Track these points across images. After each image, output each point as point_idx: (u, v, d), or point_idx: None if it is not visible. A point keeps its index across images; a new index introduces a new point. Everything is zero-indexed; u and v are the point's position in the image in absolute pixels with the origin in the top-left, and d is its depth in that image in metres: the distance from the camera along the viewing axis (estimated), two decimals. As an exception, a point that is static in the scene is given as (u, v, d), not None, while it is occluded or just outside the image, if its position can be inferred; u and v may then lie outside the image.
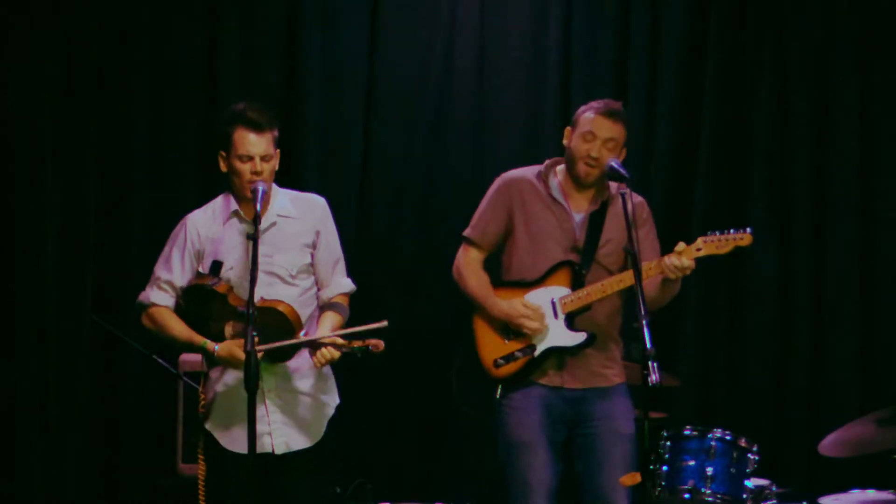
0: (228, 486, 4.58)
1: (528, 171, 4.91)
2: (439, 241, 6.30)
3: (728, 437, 5.24)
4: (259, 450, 4.48)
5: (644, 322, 4.25)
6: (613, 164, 4.70)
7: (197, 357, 5.67)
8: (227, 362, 4.54)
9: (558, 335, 4.77)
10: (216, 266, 4.59)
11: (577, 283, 4.76)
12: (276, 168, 4.64)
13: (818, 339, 6.55)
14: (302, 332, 4.55)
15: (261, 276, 4.52)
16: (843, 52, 6.58)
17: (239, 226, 4.63)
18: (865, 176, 6.57)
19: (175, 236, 4.68)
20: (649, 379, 4.18)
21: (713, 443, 5.22)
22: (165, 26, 6.45)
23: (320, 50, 6.54)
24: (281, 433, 4.60)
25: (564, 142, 4.84)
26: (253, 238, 4.40)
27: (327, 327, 4.61)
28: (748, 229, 4.68)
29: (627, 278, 4.67)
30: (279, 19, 6.55)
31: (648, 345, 4.21)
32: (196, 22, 6.48)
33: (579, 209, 4.84)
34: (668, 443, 5.28)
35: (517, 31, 6.65)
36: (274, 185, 4.68)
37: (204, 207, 4.73)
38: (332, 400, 4.75)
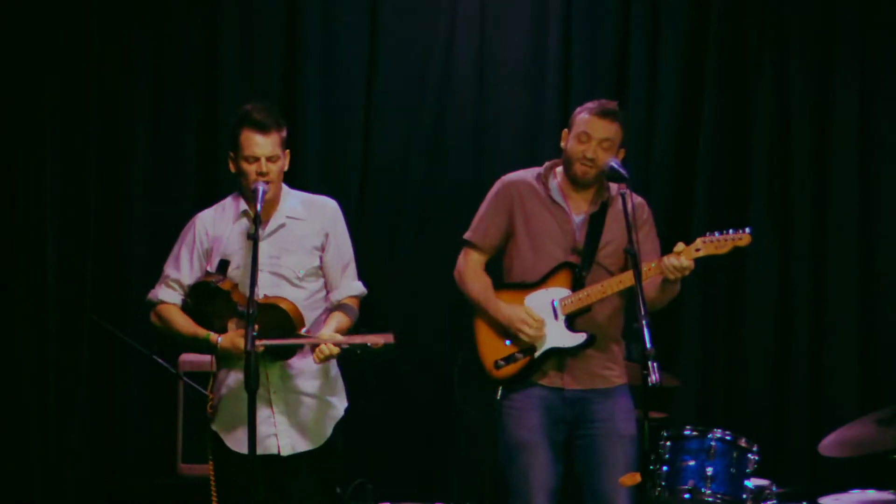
0: (235, 487, 4.57)
1: (528, 174, 4.92)
2: (439, 242, 6.30)
3: (728, 437, 5.24)
4: (265, 451, 4.51)
5: (644, 322, 4.25)
6: (613, 164, 4.70)
7: (197, 357, 5.71)
8: (230, 353, 4.54)
9: (558, 336, 4.77)
10: (223, 265, 4.60)
11: (577, 285, 4.76)
12: (286, 168, 4.64)
13: (818, 338, 6.55)
14: (304, 330, 4.54)
15: (267, 277, 4.54)
16: (843, 52, 6.57)
17: (247, 226, 4.63)
18: (866, 175, 6.57)
19: (184, 235, 4.70)
20: (649, 379, 4.18)
21: (713, 443, 5.22)
22: (165, 26, 6.45)
23: (320, 51, 6.54)
24: (286, 434, 4.61)
25: (562, 144, 4.84)
26: (253, 237, 4.40)
27: (332, 326, 4.61)
28: (747, 229, 4.68)
29: (627, 279, 4.67)
30: (279, 20, 6.55)
31: (648, 345, 4.21)
32: (196, 22, 6.48)
33: (579, 210, 4.84)
34: (668, 443, 5.28)
35: (517, 31, 6.65)
36: (284, 186, 4.69)
37: (214, 207, 4.75)
38: (340, 402, 4.75)
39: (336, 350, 4.50)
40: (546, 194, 4.84)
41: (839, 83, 6.58)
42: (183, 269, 4.65)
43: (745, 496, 5.21)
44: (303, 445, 4.63)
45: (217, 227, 4.67)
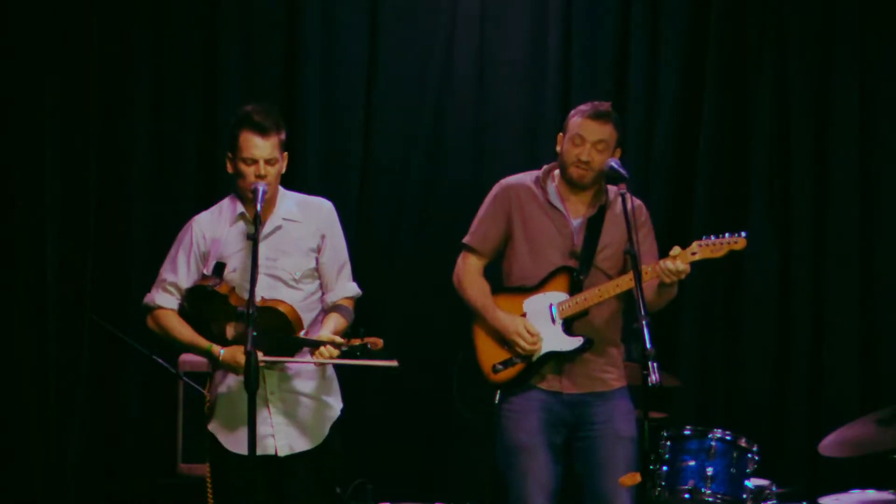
0: (232, 488, 4.58)
1: (526, 177, 4.91)
2: (439, 242, 6.30)
3: (728, 437, 5.24)
4: (262, 452, 4.49)
5: (644, 322, 4.25)
6: (613, 164, 4.71)
7: (197, 357, 5.70)
8: (230, 367, 4.54)
9: (556, 340, 4.76)
10: (219, 267, 4.59)
11: (575, 289, 4.76)
12: (283, 171, 4.63)
13: (818, 339, 6.55)
14: (302, 333, 4.55)
15: (264, 279, 4.53)
16: (843, 52, 6.57)
17: (244, 228, 4.62)
18: (866, 176, 6.57)
19: (181, 238, 4.68)
20: (649, 379, 4.18)
21: (713, 443, 5.22)
22: (165, 26, 6.45)
23: (320, 51, 6.54)
24: (284, 435, 4.60)
25: (557, 148, 4.84)
26: (253, 239, 4.40)
27: (329, 328, 4.60)
28: (743, 233, 4.67)
29: (624, 283, 4.67)
30: (279, 20, 6.54)
31: (648, 345, 4.21)
32: (196, 22, 6.48)
33: (577, 214, 4.84)
34: (668, 443, 5.28)
35: (517, 31, 6.65)
36: (280, 188, 4.68)
37: (210, 209, 4.73)
38: (336, 402, 4.74)
39: (336, 353, 4.49)
40: (544, 198, 4.84)
41: (839, 83, 6.58)
42: (180, 272, 4.64)
43: (745, 496, 5.21)
44: (300, 445, 4.62)
45: (214, 229, 4.65)
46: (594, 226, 4.81)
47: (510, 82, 6.65)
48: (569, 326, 4.76)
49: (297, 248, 4.64)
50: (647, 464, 4.50)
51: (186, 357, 5.86)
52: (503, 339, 4.80)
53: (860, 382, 6.51)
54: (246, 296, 4.46)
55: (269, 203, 4.60)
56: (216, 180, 6.11)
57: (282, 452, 4.59)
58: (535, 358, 4.76)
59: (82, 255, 6.28)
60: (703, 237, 4.69)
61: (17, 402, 6.16)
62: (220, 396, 4.64)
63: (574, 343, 4.75)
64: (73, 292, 6.24)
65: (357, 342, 4.48)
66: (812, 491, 5.73)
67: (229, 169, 4.62)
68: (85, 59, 6.26)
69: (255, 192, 4.51)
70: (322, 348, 4.49)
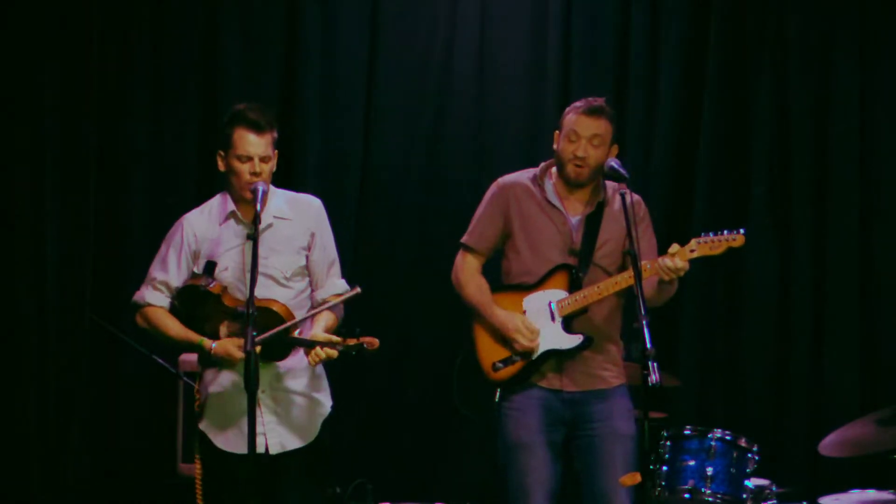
0: (224, 487, 4.58)
1: (524, 175, 4.91)
2: (439, 242, 6.30)
3: (728, 437, 5.24)
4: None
5: (644, 322, 4.25)
6: (613, 164, 4.71)
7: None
8: (223, 361, 4.54)
9: (555, 338, 4.76)
10: (210, 266, 4.59)
11: (574, 286, 4.76)
12: (274, 169, 4.63)
13: (818, 339, 6.55)
14: (296, 332, 4.55)
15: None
16: (843, 51, 6.57)
17: (235, 227, 4.63)
18: (866, 176, 6.57)
19: (171, 237, 4.68)
20: (649, 379, 4.18)
21: (713, 443, 5.22)
22: (165, 26, 6.45)
23: (320, 51, 6.54)
24: (275, 433, 4.60)
25: (554, 146, 4.84)
26: (253, 238, 4.40)
27: (321, 326, 4.61)
28: (741, 230, 4.67)
29: (623, 280, 4.67)
30: (280, 21, 6.55)
31: (648, 345, 4.21)
32: (196, 22, 6.48)
33: (575, 212, 4.84)
34: (668, 443, 5.28)
35: (517, 31, 6.65)
36: (271, 186, 4.68)
37: (200, 208, 4.73)
38: (327, 400, 4.74)
39: (334, 353, 4.49)
40: (542, 196, 4.84)
41: (839, 83, 6.58)
42: (170, 270, 4.63)
43: (745, 496, 5.21)
44: (293, 443, 4.62)
45: (205, 228, 4.65)
46: (593, 223, 4.81)
47: (510, 82, 6.65)
48: (568, 324, 4.76)
49: (288, 247, 4.65)
50: (647, 464, 4.50)
51: (186, 357, 5.86)
52: (503, 337, 4.80)
53: (860, 383, 6.50)
54: (239, 295, 4.49)
55: (262, 202, 4.58)
56: (216, 180, 6.09)
57: (273, 450, 4.59)
58: (534, 356, 4.76)
59: (82, 255, 6.28)
60: (702, 234, 4.69)
61: (17, 401, 6.16)
62: (211, 396, 4.64)
63: (574, 341, 4.75)
64: (73, 292, 6.24)
65: (353, 342, 4.48)
66: (812, 491, 5.73)
67: (221, 167, 4.62)
68: (85, 58, 6.26)
69: (254, 192, 4.51)
70: (318, 348, 4.49)
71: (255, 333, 4.25)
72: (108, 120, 6.37)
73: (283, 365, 4.60)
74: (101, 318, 6.13)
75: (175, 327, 4.62)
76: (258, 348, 4.32)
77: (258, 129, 4.55)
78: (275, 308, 4.51)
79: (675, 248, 4.64)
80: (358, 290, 4.53)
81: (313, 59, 6.54)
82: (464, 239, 4.95)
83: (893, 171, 6.57)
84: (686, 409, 6.36)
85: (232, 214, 4.64)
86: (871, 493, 5.56)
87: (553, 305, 4.76)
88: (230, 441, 4.56)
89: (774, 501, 5.41)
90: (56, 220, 6.23)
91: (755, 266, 6.54)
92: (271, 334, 4.45)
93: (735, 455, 5.22)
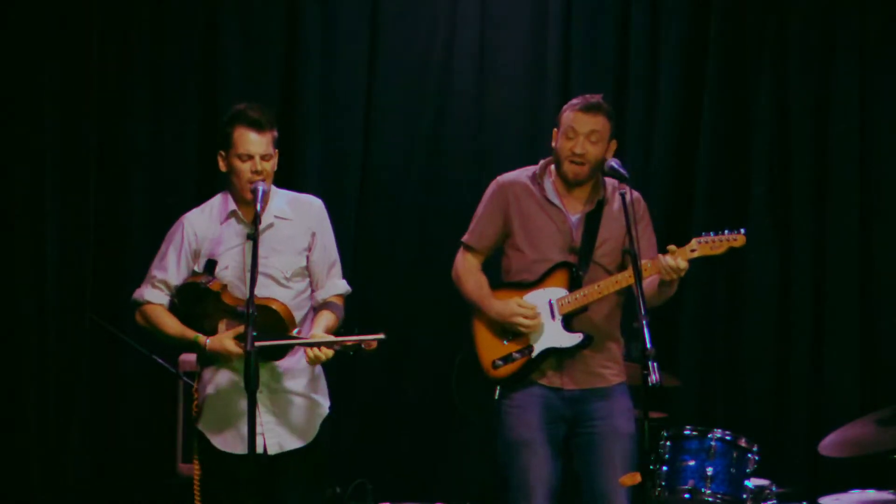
0: (222, 487, 4.58)
1: (523, 174, 4.91)
2: (439, 242, 6.30)
3: (728, 437, 5.24)
4: (251, 450, 4.50)
5: (644, 322, 4.25)
6: (613, 164, 4.70)
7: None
8: (219, 356, 4.53)
9: (555, 336, 4.76)
10: (210, 265, 4.59)
11: (574, 285, 4.76)
12: (275, 168, 4.64)
13: (818, 339, 6.55)
14: (295, 331, 4.55)
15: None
16: (843, 52, 6.57)
17: (236, 226, 4.63)
18: (866, 176, 6.57)
19: (171, 235, 4.69)
20: (649, 379, 4.18)
21: (713, 443, 5.22)
22: (165, 26, 6.45)
23: (320, 51, 6.54)
24: (273, 434, 4.60)
25: (553, 144, 4.84)
26: (253, 238, 4.40)
27: (322, 326, 4.61)
28: (742, 230, 4.67)
29: (623, 279, 4.67)
30: (280, 21, 6.54)
31: (648, 344, 4.21)
32: (196, 22, 6.48)
33: (575, 210, 4.84)
34: (668, 443, 5.28)
35: (517, 31, 6.65)
36: (273, 186, 4.68)
37: (201, 207, 4.74)
38: (325, 400, 4.74)
39: (330, 353, 4.50)
40: (541, 194, 4.84)
41: (839, 83, 6.57)
42: (170, 269, 4.64)
43: (745, 496, 5.21)
44: (291, 444, 4.62)
45: (206, 227, 4.65)
46: (592, 221, 4.81)
47: (510, 82, 6.65)
48: (568, 322, 4.76)
49: (289, 247, 4.64)
50: (647, 464, 4.49)
51: (186, 357, 5.86)
52: (503, 333, 4.80)
53: (860, 383, 6.50)
54: (238, 294, 4.49)
55: (264, 201, 4.59)
56: (216, 180, 6.09)
57: (271, 451, 4.59)
58: (534, 354, 4.76)
59: (82, 255, 6.28)
60: (703, 234, 4.68)
61: (17, 402, 6.16)
62: (209, 396, 4.64)
63: (573, 339, 4.75)
64: (73, 292, 6.24)
65: (351, 342, 4.48)
66: (812, 491, 5.73)
67: (222, 167, 4.62)
68: (85, 58, 6.26)
69: (254, 192, 4.51)
70: (312, 350, 4.48)
71: (254, 333, 4.25)
72: (108, 120, 6.36)
73: (281, 365, 4.60)
74: (101, 318, 6.13)
75: (173, 325, 4.62)
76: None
77: (259, 127, 4.56)
78: (274, 307, 4.51)
79: (674, 248, 4.63)
80: (382, 335, 4.49)
81: (313, 59, 6.54)
82: (464, 238, 4.95)
83: (893, 171, 6.57)
84: (686, 409, 6.36)
85: (233, 214, 4.64)
86: (871, 493, 5.56)
87: (553, 303, 4.76)
88: (228, 441, 4.57)
89: (774, 501, 5.41)
90: (56, 220, 6.23)
91: (755, 266, 6.54)
92: (271, 344, 4.45)
93: (735, 455, 5.22)
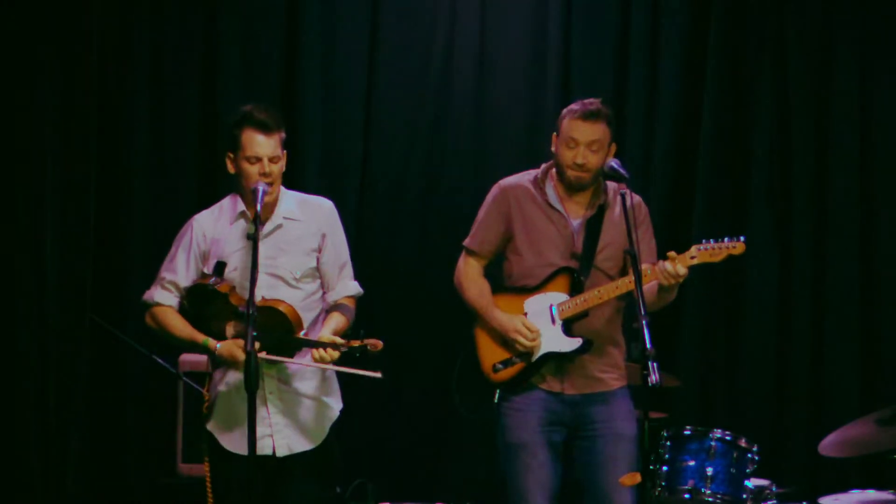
0: (231, 487, 4.57)
1: (524, 178, 4.90)
2: (439, 242, 6.31)
3: (728, 437, 5.24)
4: (260, 452, 4.48)
5: (644, 322, 4.25)
6: (613, 164, 4.69)
7: (197, 357, 5.71)
8: (227, 362, 4.54)
9: (555, 341, 4.76)
10: (220, 266, 4.59)
11: (575, 290, 4.75)
12: (284, 169, 4.63)
13: (818, 339, 6.55)
14: (302, 333, 4.54)
15: (264, 278, 4.52)
16: (843, 54, 6.57)
17: (245, 227, 4.62)
18: (866, 175, 6.57)
19: (181, 237, 4.68)
20: (649, 379, 4.18)
21: (713, 443, 5.22)
22: (165, 26, 6.45)
23: (320, 51, 6.54)
24: (283, 435, 4.59)
25: (552, 148, 4.83)
26: (253, 238, 4.40)
27: (330, 328, 4.60)
28: (741, 238, 4.65)
29: (623, 285, 4.66)
30: (279, 20, 6.54)
31: (648, 345, 4.21)
32: (196, 22, 6.48)
33: (576, 214, 4.83)
34: (668, 443, 5.29)
35: (517, 31, 6.65)
36: (281, 187, 4.68)
37: (211, 208, 4.73)
38: (336, 403, 4.73)
39: (336, 354, 4.49)
40: (543, 199, 4.83)
41: (839, 83, 6.57)
42: (179, 271, 4.63)
43: (745, 496, 5.21)
44: (300, 446, 4.62)
45: (215, 228, 4.65)
46: (593, 226, 4.80)
47: (510, 82, 6.65)
48: (568, 327, 4.75)
49: (298, 248, 4.64)
50: (647, 464, 4.50)
51: (186, 357, 5.86)
52: (503, 339, 4.79)
53: (860, 383, 6.50)
54: (247, 295, 4.47)
55: (272, 202, 4.60)
56: (216, 180, 6.11)
57: (280, 453, 4.59)
58: (534, 358, 4.76)
59: (82, 255, 6.27)
60: (703, 241, 4.67)
61: (17, 401, 6.16)
62: (219, 396, 4.64)
63: (574, 344, 4.74)
64: (73, 292, 6.24)
65: (357, 343, 4.47)
66: (812, 491, 5.72)
67: (231, 169, 4.61)
68: (85, 58, 6.25)
69: (255, 192, 4.50)
70: (318, 351, 4.48)
71: (255, 334, 4.25)
72: (108, 120, 6.36)
73: (292, 367, 4.60)
74: (101, 318, 6.13)
75: (181, 327, 4.62)
76: (263, 352, 4.32)
77: (266, 129, 4.55)
78: (281, 308, 4.50)
79: (673, 254, 4.63)
80: (378, 374, 4.49)
81: (313, 59, 6.54)
82: (466, 242, 4.95)
83: (893, 171, 6.57)
84: (686, 409, 6.36)
85: (242, 215, 4.63)
86: (871, 493, 5.56)
87: (554, 308, 4.76)
88: (236, 442, 4.55)
89: (774, 501, 5.41)
90: (56, 221, 6.22)
91: (755, 266, 6.54)
92: (276, 360, 4.46)
93: (735, 455, 5.22)
